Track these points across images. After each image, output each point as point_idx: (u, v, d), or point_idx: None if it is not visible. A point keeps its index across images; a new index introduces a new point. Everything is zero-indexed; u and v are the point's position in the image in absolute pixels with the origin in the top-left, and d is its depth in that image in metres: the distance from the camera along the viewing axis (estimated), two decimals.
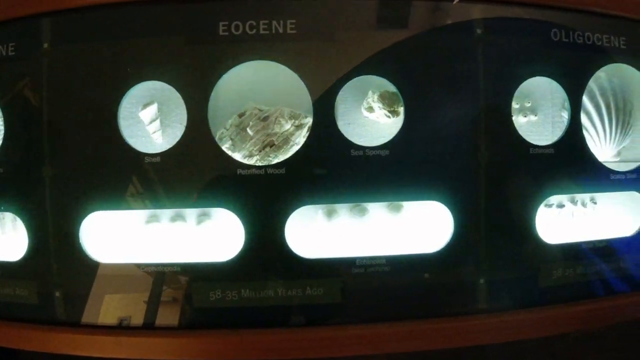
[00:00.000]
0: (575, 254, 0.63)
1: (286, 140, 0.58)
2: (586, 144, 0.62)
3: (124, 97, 0.57)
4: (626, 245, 0.65)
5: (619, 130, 0.67)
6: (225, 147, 0.58)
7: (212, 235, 0.59)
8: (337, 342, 0.55)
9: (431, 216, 0.60)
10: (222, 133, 0.59)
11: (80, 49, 0.56)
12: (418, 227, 0.60)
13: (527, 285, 0.61)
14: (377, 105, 0.59)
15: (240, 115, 0.60)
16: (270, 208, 0.56)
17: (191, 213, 0.59)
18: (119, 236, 0.59)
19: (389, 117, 0.58)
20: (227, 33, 0.56)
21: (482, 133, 0.58)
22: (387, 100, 0.58)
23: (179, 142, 0.56)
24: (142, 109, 0.59)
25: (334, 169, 0.56)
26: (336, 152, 0.56)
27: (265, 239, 0.56)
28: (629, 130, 0.68)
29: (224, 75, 0.57)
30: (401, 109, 0.57)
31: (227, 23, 0.56)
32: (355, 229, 0.60)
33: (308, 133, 0.56)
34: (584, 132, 0.67)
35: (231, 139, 0.58)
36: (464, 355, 0.91)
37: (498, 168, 0.59)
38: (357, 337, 0.56)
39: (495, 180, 0.59)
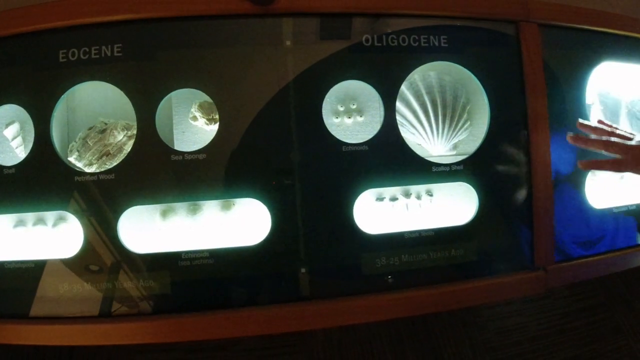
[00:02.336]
0: (399, 243, 0.66)
1: (120, 149, 0.65)
2: (402, 140, 0.66)
3: None
4: (457, 234, 0.68)
5: (447, 125, 0.69)
6: (73, 158, 0.67)
7: (67, 236, 0.67)
8: (165, 330, 0.62)
9: (258, 212, 0.65)
10: (72, 145, 0.68)
11: None
12: (246, 222, 0.66)
13: (350, 274, 0.65)
14: (198, 114, 0.65)
15: (90, 129, 0.68)
16: (103, 209, 0.63)
17: (50, 217, 0.67)
18: None
19: (207, 124, 0.65)
20: (65, 59, 0.64)
21: (294, 135, 0.63)
22: (205, 110, 0.65)
23: (28, 155, 0.64)
24: (5, 127, 0.68)
25: (156, 173, 0.63)
26: (157, 158, 0.62)
27: (100, 237, 0.63)
28: (464, 124, 0.71)
29: (76, 93, 0.66)
30: (217, 117, 0.63)
31: (65, 51, 0.64)
32: (190, 226, 0.66)
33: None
34: (411, 128, 0.71)
35: (77, 150, 0.67)
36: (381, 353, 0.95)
37: (311, 166, 0.64)
38: (186, 324, 0.62)
39: (309, 177, 0.64)
